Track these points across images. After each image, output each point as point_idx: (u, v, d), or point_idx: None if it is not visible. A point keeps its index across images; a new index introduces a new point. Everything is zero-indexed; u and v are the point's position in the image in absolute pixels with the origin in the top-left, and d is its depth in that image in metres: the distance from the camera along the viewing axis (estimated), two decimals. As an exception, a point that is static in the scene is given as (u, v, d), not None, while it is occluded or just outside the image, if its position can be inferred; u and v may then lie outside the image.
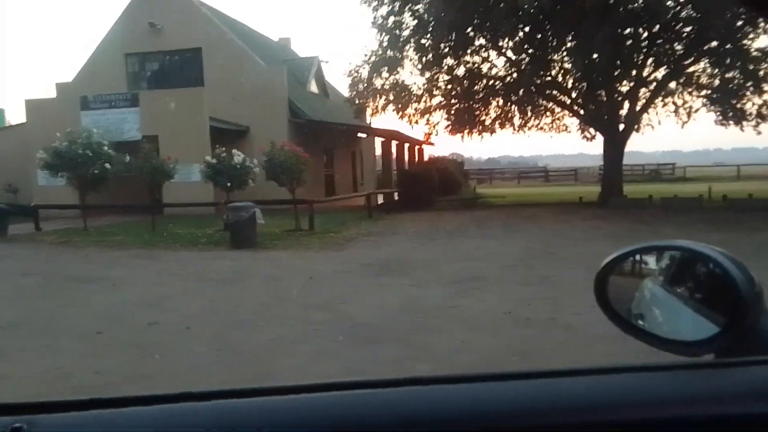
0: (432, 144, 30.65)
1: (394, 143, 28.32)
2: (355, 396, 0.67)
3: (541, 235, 11.35)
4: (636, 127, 19.77)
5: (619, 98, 18.56)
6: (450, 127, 20.63)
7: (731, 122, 17.60)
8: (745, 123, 17.48)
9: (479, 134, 21.92)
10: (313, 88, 25.48)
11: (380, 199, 20.75)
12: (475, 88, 20.31)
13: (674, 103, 19.02)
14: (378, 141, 28.74)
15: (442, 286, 6.80)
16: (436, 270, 7.82)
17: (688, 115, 18.70)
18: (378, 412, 0.64)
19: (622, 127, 18.96)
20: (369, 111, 20.72)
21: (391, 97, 19.51)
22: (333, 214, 15.99)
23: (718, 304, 0.80)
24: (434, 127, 20.48)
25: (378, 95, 19.36)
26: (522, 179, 44.02)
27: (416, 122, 20.30)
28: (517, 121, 22.05)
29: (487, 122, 21.59)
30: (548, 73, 19.80)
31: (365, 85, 19.49)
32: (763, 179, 33.71)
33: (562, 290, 6.29)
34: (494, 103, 21.18)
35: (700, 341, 0.79)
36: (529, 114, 21.89)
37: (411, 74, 19.77)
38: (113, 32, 21.93)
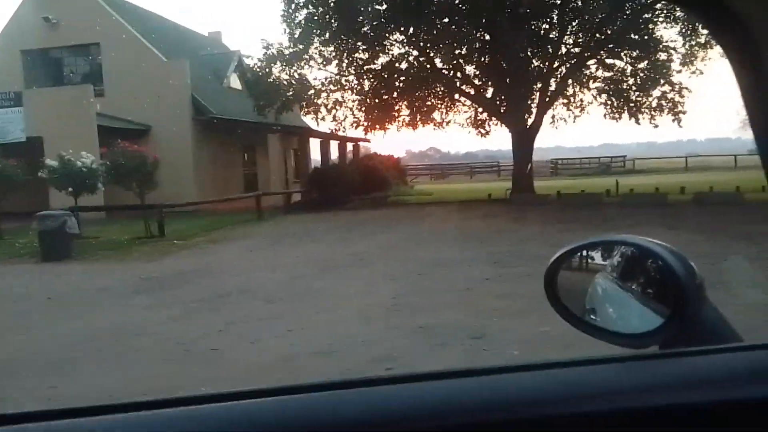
0: (365, 141, 30.08)
1: (336, 142, 27.66)
2: (337, 396, 0.68)
3: (394, 238, 10.73)
4: (550, 121, 19.33)
5: (525, 93, 17.96)
6: (363, 123, 19.90)
7: (621, 116, 17.20)
8: (640, 116, 17.06)
9: (398, 129, 21.38)
10: (235, 83, 24.59)
11: (298, 198, 20.11)
12: (390, 82, 19.62)
13: (570, 99, 18.48)
14: (316, 140, 28.03)
15: (185, 304, 6.11)
16: (210, 284, 7.13)
17: (581, 109, 18.23)
18: (353, 412, 0.65)
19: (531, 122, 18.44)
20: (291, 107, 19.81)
21: (295, 93, 18.69)
22: (216, 217, 15.24)
23: (662, 296, 0.83)
24: (341, 123, 19.72)
25: (282, 91, 18.53)
26: (475, 174, 43.43)
27: (322, 119, 19.56)
28: (437, 116, 21.43)
29: (405, 117, 20.94)
30: (459, 67, 19.20)
31: (271, 80, 18.69)
32: (706, 170, 33.62)
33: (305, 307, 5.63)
34: (408, 99, 20.48)
35: (646, 333, 0.82)
36: (445, 108, 21.25)
37: (319, 69, 19.00)
38: (9, 28, 20.89)
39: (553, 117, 19.19)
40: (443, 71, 19.36)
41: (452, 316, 5.14)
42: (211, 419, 0.64)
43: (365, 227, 12.65)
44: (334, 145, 28.65)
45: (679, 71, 18.29)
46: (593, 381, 0.71)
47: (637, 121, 17.25)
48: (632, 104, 17.23)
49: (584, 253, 0.97)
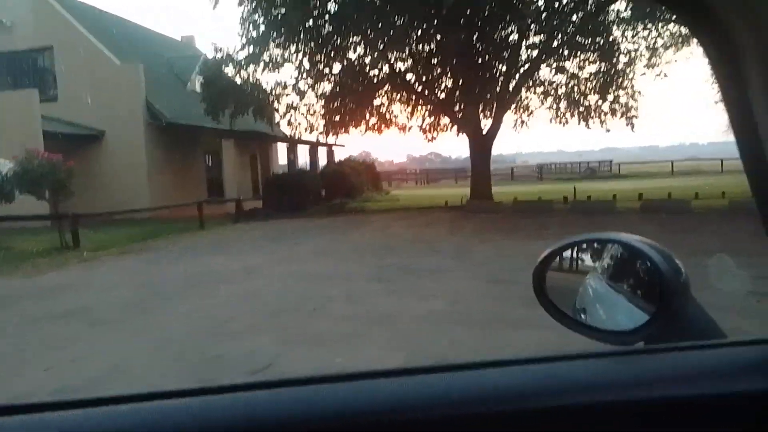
0: (340, 144, 29.70)
1: (305, 147, 27.29)
2: (324, 389, 0.69)
3: (304, 250, 10.31)
4: (513, 126, 18.84)
5: (480, 98, 17.48)
6: (319, 128, 19.50)
7: (568, 121, 16.73)
8: (591, 120, 16.58)
9: (362, 134, 20.99)
10: (199, 87, 24.23)
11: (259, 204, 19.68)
12: (349, 86, 19.19)
13: (518, 104, 17.97)
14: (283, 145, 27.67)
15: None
16: (58, 302, 6.71)
17: (529, 114, 17.75)
18: (343, 404, 0.67)
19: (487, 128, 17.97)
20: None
21: (249, 97, 18.24)
22: (156, 226, 14.86)
23: (648, 294, 0.85)
24: (296, 127, 19.27)
25: (235, 95, 18.09)
26: (460, 179, 43.08)
27: (276, 124, 19.13)
28: (402, 121, 20.99)
29: (366, 121, 20.50)
30: (418, 71, 18.76)
31: (222, 83, 18.26)
32: (692, 175, 33.02)
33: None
34: (368, 103, 20.05)
35: (632, 330, 0.84)
36: (409, 113, 20.81)
37: (272, 72, 18.62)
38: (-38, 32, 20.59)
39: (515, 122, 18.70)
40: (403, 75, 18.93)
41: (257, 343, 4.67)
42: (205, 411, 0.66)
43: (294, 237, 12.29)
44: (307, 150, 28.30)
45: (643, 74, 17.87)
46: (580, 375, 0.74)
47: (588, 126, 16.83)
48: (582, 108, 16.76)
49: (574, 252, 0.98)
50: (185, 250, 10.96)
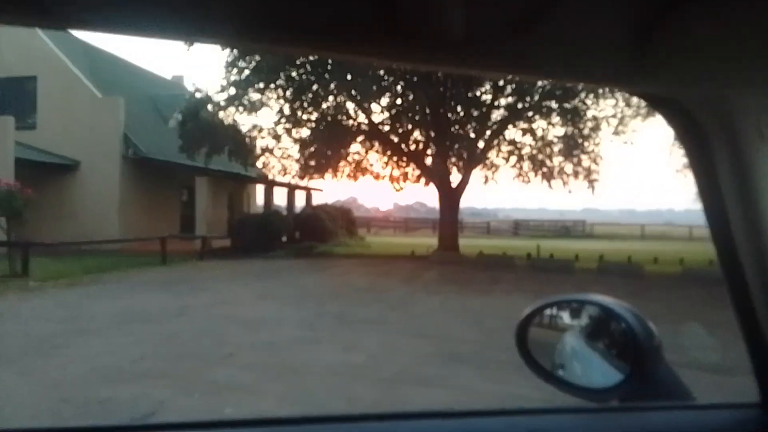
0: (318, 190, 29.73)
1: (283, 190, 27.24)
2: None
3: (232, 296, 10.06)
4: (484, 181, 18.98)
5: (450, 153, 17.69)
6: (291, 171, 19.52)
7: (530, 180, 16.97)
8: (553, 181, 16.82)
9: (338, 180, 21.04)
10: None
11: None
12: (326, 133, 19.34)
13: (490, 162, 18.21)
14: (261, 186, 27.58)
15: None
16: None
17: (494, 171, 17.97)
18: None
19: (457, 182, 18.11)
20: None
21: (224, 137, 18.29)
22: (119, 258, 14.63)
23: (623, 355, 0.90)
24: (270, 170, 19.29)
25: (210, 134, 18.13)
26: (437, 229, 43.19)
27: (251, 165, 19.15)
28: (377, 170, 21.10)
29: (341, 168, 20.60)
30: (394, 124, 19.00)
31: (198, 123, 18.32)
32: (661, 239, 33.34)
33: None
34: (344, 150, 20.20)
35: (607, 388, 0.89)
36: (383, 163, 20.93)
37: (250, 116, 18.69)
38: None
39: (485, 178, 18.86)
40: (378, 126, 19.16)
41: (152, 388, 4.46)
42: None
43: (248, 278, 12.14)
44: (286, 193, 28.25)
45: (611, 141, 18.21)
46: (556, 429, 0.76)
47: (550, 185, 17.03)
48: (545, 169, 17.01)
49: (552, 311, 1.03)
50: (134, 285, 10.71)
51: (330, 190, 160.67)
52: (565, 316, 1.03)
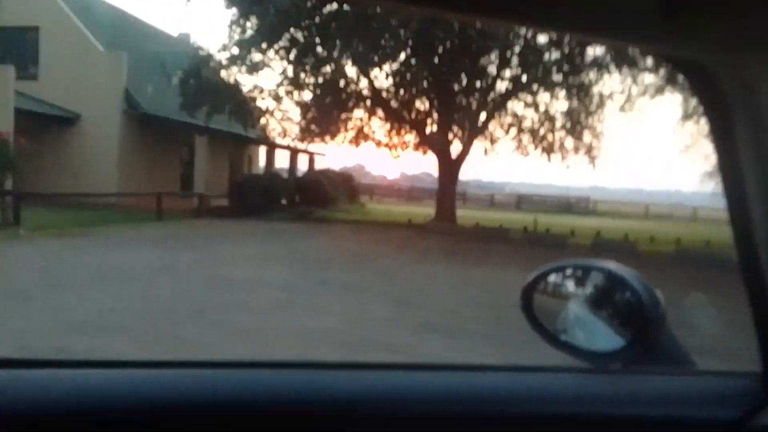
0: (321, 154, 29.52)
1: (286, 153, 27.04)
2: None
3: (212, 256, 10.01)
4: (485, 150, 18.75)
5: (452, 123, 17.40)
6: (292, 134, 19.33)
7: (528, 153, 16.74)
8: (552, 154, 16.58)
9: (339, 145, 20.84)
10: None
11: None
12: (330, 97, 19.05)
13: (491, 134, 17.91)
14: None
15: None
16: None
17: (493, 143, 17.66)
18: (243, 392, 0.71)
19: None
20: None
21: (226, 97, 18.05)
22: (116, 213, 14.62)
23: (628, 321, 0.90)
24: (269, 132, 19.09)
25: (211, 92, 17.87)
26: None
27: (251, 126, 18.93)
28: (379, 136, 20.84)
29: (343, 133, 20.39)
30: (396, 91, 18.67)
31: (200, 81, 18.06)
32: (668, 219, 33.09)
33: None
34: (348, 116, 19.93)
35: (610, 353, 0.89)
36: (386, 130, 20.65)
37: (254, 75, 18.44)
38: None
39: (485, 149, 18.64)
40: (380, 92, 18.82)
41: (110, 341, 4.42)
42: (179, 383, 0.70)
43: (242, 239, 12.20)
44: (288, 156, 28.05)
45: (616, 117, 17.86)
46: (557, 387, 0.78)
47: (549, 159, 16.84)
48: (546, 143, 16.74)
49: (559, 275, 1.02)
50: (124, 240, 10.70)
51: (337, 155, 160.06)
52: (571, 283, 1.02)
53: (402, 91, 18.34)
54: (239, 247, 10.66)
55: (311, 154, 29.36)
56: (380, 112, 19.32)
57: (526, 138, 17.01)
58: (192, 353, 4.35)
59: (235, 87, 18.25)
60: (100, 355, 4.11)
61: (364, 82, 18.46)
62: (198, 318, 5.42)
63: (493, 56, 16.77)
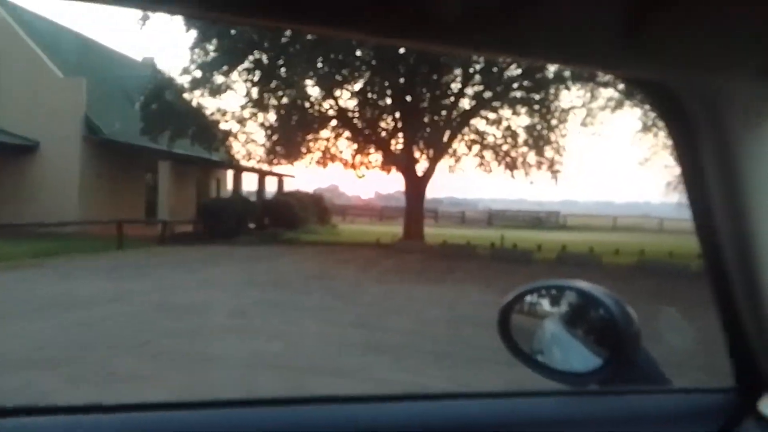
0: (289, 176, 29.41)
1: (252, 175, 26.80)
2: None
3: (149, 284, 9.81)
4: (451, 168, 18.86)
5: (417, 141, 17.51)
6: (255, 157, 19.21)
7: (491, 169, 16.95)
8: (515, 171, 16.78)
9: (306, 166, 20.79)
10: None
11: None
12: (295, 118, 19.00)
13: (454, 151, 18.09)
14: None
15: None
16: None
17: (457, 160, 17.84)
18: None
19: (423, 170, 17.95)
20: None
21: (188, 121, 17.86)
22: (73, 242, 14.23)
23: (602, 340, 0.91)
24: (234, 156, 18.93)
25: (173, 116, 17.67)
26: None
27: (215, 149, 18.76)
28: (346, 156, 20.83)
29: (313, 155, 20.34)
30: (361, 110, 18.75)
31: (162, 104, 17.86)
32: (636, 231, 33.68)
33: None
34: (313, 137, 19.91)
35: (586, 373, 0.90)
36: (353, 150, 20.67)
37: (217, 98, 18.31)
38: None
39: (449, 167, 18.78)
40: (346, 112, 18.87)
41: (40, 378, 4.22)
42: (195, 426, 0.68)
43: (202, 264, 11.99)
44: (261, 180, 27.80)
45: (579, 132, 18.17)
46: (533, 412, 0.78)
47: (513, 176, 17.01)
48: (508, 159, 16.93)
49: (534, 296, 1.03)
50: (77, 269, 10.39)
51: (311, 176, 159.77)
52: (545, 303, 1.04)
53: (366, 111, 18.43)
54: (195, 273, 10.46)
55: (280, 176, 29.20)
56: (346, 132, 19.33)
57: (489, 154, 17.15)
58: (124, 386, 4.18)
59: (198, 110, 18.11)
60: (18, 395, 3.91)
61: (328, 103, 18.49)
62: (140, 349, 5.23)
63: (456, 73, 16.96)
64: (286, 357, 5.15)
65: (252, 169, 23.70)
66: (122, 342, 5.43)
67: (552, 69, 16.52)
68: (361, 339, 5.86)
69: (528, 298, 1.03)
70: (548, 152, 17.02)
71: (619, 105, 18.15)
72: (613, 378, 0.87)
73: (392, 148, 18.46)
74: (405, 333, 6.25)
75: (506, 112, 17.27)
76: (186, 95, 18.21)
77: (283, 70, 17.76)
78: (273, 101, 18.74)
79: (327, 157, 20.42)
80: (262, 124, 18.98)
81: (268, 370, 4.71)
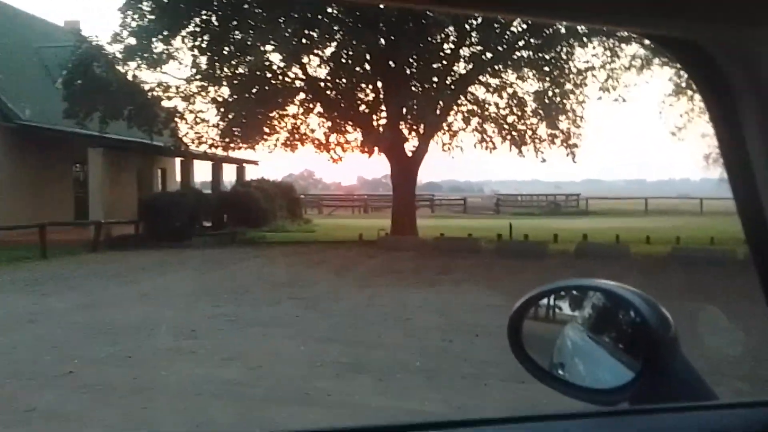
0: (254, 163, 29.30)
1: (206, 163, 26.67)
2: None
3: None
4: (444, 149, 18.84)
5: (405, 114, 17.46)
6: (209, 140, 19.04)
7: (495, 146, 16.98)
8: (524, 147, 16.84)
9: (270, 150, 20.66)
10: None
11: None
12: (254, 92, 18.84)
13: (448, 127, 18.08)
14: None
15: None
16: None
17: (453, 136, 17.82)
18: None
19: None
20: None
21: (123, 99, 17.66)
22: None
23: (634, 349, 0.92)
24: (181, 139, 18.78)
25: (104, 94, 17.45)
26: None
27: (157, 132, 18.59)
28: (319, 135, 20.72)
29: (278, 136, 20.23)
30: (336, 80, 18.66)
31: (90, 80, 17.63)
32: (671, 214, 33.91)
33: None
34: (279, 114, 19.77)
35: (615, 389, 0.91)
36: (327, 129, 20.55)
37: (157, 70, 18.05)
38: None
39: (443, 144, 18.73)
40: (317, 84, 18.75)
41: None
42: None
43: (144, 274, 11.92)
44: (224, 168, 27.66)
45: (599, 98, 18.20)
46: None
47: (521, 153, 17.02)
48: (515, 133, 16.94)
49: (551, 299, 1.04)
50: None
51: (277, 163, 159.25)
52: (565, 306, 1.05)
53: (341, 80, 18.31)
54: (134, 285, 10.44)
55: (240, 163, 29.08)
56: (317, 107, 19.23)
57: (491, 128, 17.13)
58: (44, 427, 4.12)
59: (135, 85, 17.89)
60: None
61: (294, 72, 18.34)
62: (62, 381, 5.16)
63: (449, 31, 16.90)
64: (244, 383, 5.11)
65: (205, 156, 23.52)
66: (39, 373, 5.35)
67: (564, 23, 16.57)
68: (336, 356, 5.85)
69: (544, 302, 1.04)
70: (563, 123, 17.04)
71: (646, 64, 18.22)
72: (647, 393, 0.88)
73: (374, 124, 18.37)
74: (390, 347, 6.25)
75: (510, 76, 17.21)
76: (119, 67, 17.99)
77: (237, 33, 17.62)
78: (226, 72, 18.56)
79: (296, 137, 20.29)
80: (214, 100, 18.74)
81: (220, 400, 4.68)
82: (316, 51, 18.03)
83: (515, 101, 17.19)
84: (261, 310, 8.22)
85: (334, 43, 17.69)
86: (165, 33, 17.35)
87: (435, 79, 17.39)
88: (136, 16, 17.46)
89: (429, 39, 16.72)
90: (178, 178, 27.54)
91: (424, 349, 6.10)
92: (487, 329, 6.48)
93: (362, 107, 18.50)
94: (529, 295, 1.03)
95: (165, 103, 18.61)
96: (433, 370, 5.42)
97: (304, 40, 17.31)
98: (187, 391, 4.91)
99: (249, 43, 17.45)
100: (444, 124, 17.83)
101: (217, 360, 5.83)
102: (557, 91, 16.74)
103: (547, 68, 16.48)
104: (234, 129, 19.04)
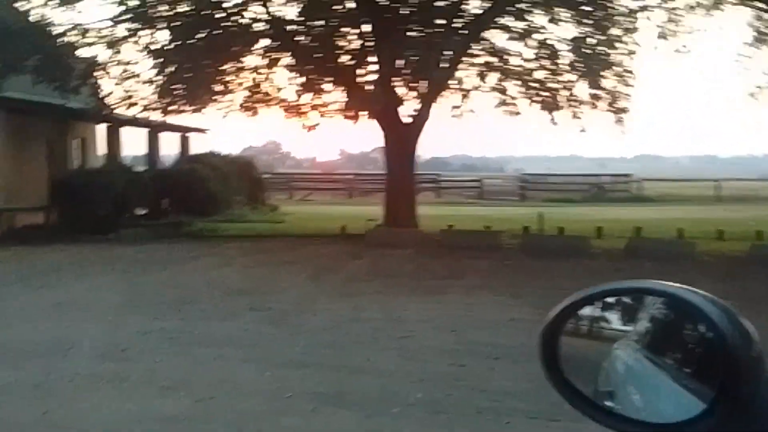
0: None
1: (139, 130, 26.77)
2: None
3: None
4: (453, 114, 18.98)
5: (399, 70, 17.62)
6: (143, 101, 19.12)
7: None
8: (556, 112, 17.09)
9: (224, 115, 20.75)
10: None
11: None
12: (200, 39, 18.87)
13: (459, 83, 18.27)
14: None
15: None
16: None
17: (464, 97, 18.02)
18: None
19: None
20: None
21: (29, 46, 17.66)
22: None
23: (706, 371, 0.94)
24: (103, 101, 18.88)
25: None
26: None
27: (74, 90, 18.63)
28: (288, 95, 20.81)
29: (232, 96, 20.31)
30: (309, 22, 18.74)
31: None
32: (750, 201, 34.13)
33: None
34: (233, 66, 19.83)
35: (683, 422, 0.92)
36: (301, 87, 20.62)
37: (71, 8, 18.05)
38: None
39: (453, 109, 18.95)
40: (285, 27, 18.77)
41: None
42: None
43: (53, 278, 12.04)
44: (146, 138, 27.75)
45: (656, 48, 18.26)
46: None
47: (553, 120, 17.27)
48: (546, 93, 17.11)
49: (595, 308, 1.06)
50: None
51: (232, 131, 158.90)
52: (614, 318, 1.06)
53: (317, 22, 18.36)
54: (51, 291, 10.57)
55: (183, 131, 29.15)
56: (285, 58, 19.29)
57: (513, 87, 17.27)
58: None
59: (42, 28, 17.87)
60: None
61: (254, 11, 18.36)
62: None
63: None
64: (191, 419, 5.21)
65: (137, 122, 23.62)
66: None
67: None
68: (311, 385, 5.98)
69: (586, 311, 1.06)
70: (608, 81, 17.19)
71: (716, 3, 18.29)
72: (723, 426, 0.89)
73: (360, 80, 18.48)
74: (382, 373, 6.36)
75: (539, 18, 17.26)
76: (20, 4, 17.96)
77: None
78: (163, 10, 18.58)
79: (257, 98, 20.41)
80: (147, 49, 18.73)
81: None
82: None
83: (546, 51, 17.27)
84: (212, 325, 8.35)
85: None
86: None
87: (439, 21, 17.53)
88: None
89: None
90: (102, 150, 27.60)
91: (426, 376, 6.20)
92: (510, 350, 6.56)
93: (344, 58, 18.61)
94: (566, 303, 1.05)
95: (83, 52, 18.61)
96: (439, 403, 5.52)
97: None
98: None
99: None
100: (452, 82, 17.92)
101: (155, 390, 5.94)
102: (601, 38, 16.81)
103: (587, 7, 16.60)
104: (175, 86, 19.19)
